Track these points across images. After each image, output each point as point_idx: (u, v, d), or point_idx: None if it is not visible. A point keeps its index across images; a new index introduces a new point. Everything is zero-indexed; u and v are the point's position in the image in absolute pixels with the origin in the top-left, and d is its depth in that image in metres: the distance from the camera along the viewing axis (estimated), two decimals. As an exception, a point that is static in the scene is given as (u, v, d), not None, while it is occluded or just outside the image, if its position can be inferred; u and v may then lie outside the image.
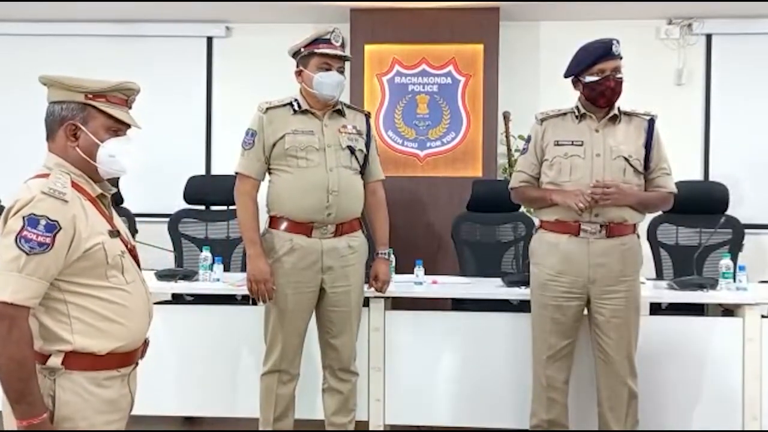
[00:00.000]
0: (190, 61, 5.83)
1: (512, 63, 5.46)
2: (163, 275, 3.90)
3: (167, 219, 4.72)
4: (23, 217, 1.84)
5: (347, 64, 3.37)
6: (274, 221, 3.26)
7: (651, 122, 3.29)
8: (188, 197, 4.72)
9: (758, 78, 5.50)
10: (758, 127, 5.49)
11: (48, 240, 1.84)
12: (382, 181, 3.44)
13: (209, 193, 4.76)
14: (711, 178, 5.42)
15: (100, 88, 1.99)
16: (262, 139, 3.24)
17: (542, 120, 3.37)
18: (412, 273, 3.92)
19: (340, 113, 3.31)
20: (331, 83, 3.21)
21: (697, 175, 5.52)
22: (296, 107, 3.27)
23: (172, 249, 4.55)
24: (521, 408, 3.55)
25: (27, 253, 1.83)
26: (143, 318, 2.06)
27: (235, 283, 3.88)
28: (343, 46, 3.26)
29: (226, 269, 4.24)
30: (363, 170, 3.35)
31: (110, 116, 2.00)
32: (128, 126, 2.04)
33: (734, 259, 4.13)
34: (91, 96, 1.98)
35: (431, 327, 3.77)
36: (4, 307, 1.82)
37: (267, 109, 3.29)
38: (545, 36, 5.65)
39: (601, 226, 3.21)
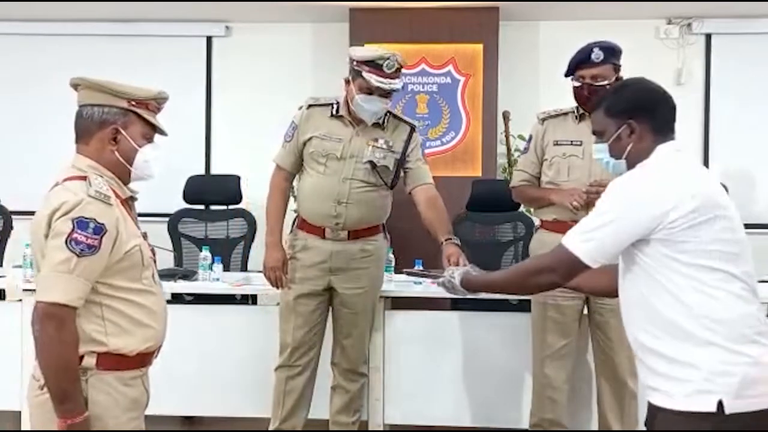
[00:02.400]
0: (189, 61, 5.83)
1: (512, 63, 5.45)
2: (163, 275, 3.87)
3: (167, 219, 4.71)
4: (72, 220, 1.89)
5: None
6: (299, 219, 3.38)
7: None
8: (188, 197, 4.71)
9: (758, 78, 5.50)
10: (758, 126, 5.49)
11: (96, 242, 1.90)
12: (429, 184, 3.36)
13: (209, 192, 4.75)
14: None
15: (144, 96, 2.07)
16: (299, 134, 3.29)
17: (543, 120, 3.38)
18: (412, 273, 3.92)
19: (379, 125, 3.28)
20: (368, 109, 3.19)
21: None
22: (334, 111, 3.27)
23: (171, 249, 4.55)
24: (521, 408, 3.55)
25: (78, 255, 1.88)
26: (164, 321, 2.14)
27: (234, 282, 3.89)
28: (398, 70, 3.16)
29: (226, 269, 4.24)
30: (394, 184, 3.33)
31: (147, 123, 2.08)
32: (156, 133, 2.13)
33: (734, 258, 4.12)
34: (134, 103, 2.05)
35: (431, 327, 3.77)
36: (54, 308, 1.87)
37: (310, 105, 3.31)
38: (545, 36, 5.65)
39: (600, 226, 3.21)
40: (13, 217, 4.75)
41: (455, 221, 4.58)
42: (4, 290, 4.12)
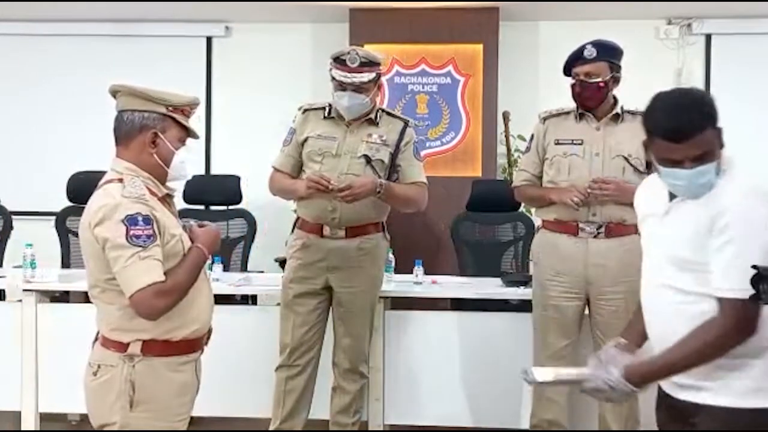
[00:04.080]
0: (189, 61, 5.82)
1: (512, 63, 5.45)
2: (163, 275, 3.90)
3: (167, 219, 4.71)
4: (122, 221, 2.03)
5: None
6: (298, 219, 3.40)
7: (656, 121, 3.28)
8: (187, 197, 4.71)
9: (758, 78, 5.49)
10: (758, 127, 5.49)
11: (151, 231, 2.06)
12: (420, 183, 3.38)
13: (209, 193, 4.75)
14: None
15: (180, 102, 2.21)
16: (296, 138, 3.35)
17: (545, 119, 3.39)
18: (412, 273, 3.92)
19: (372, 122, 3.33)
20: (341, 104, 3.26)
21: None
22: (326, 112, 3.34)
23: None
24: (521, 408, 3.55)
25: (144, 247, 2.03)
26: (208, 307, 2.28)
27: (234, 282, 3.89)
28: (366, 65, 3.21)
29: (226, 269, 4.24)
30: (389, 179, 3.33)
31: (182, 127, 2.22)
32: (189, 136, 2.27)
33: (734, 258, 4.12)
34: (171, 108, 2.19)
35: (431, 327, 3.77)
36: (146, 291, 2.02)
37: (305, 110, 3.40)
38: (545, 36, 5.65)
39: (600, 226, 3.21)
40: (13, 217, 4.75)
41: (455, 221, 4.60)
42: (4, 290, 4.11)
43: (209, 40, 5.87)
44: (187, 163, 2.25)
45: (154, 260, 2.04)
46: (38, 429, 3.80)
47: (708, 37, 5.59)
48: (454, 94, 5.36)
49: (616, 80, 3.24)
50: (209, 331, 2.31)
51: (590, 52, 3.19)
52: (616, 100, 3.30)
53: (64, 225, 4.63)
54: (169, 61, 5.75)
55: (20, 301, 3.78)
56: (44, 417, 3.84)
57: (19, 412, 3.78)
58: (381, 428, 3.72)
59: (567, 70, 3.27)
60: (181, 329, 2.16)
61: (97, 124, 5.59)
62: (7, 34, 5.81)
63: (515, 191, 3.52)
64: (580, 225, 3.22)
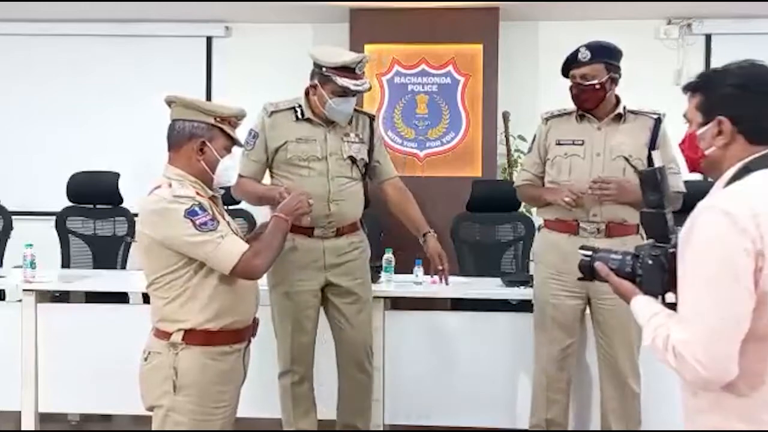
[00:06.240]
0: (189, 61, 5.82)
1: (512, 63, 5.45)
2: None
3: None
4: (185, 216, 2.20)
5: None
6: None
7: (657, 121, 3.28)
8: (188, 197, 4.71)
9: (758, 78, 5.49)
10: (758, 127, 5.49)
11: (210, 215, 2.24)
12: (396, 177, 3.43)
13: (209, 192, 4.75)
14: (710, 178, 5.40)
15: (228, 114, 2.37)
16: (264, 141, 3.24)
17: (546, 119, 3.40)
18: (412, 273, 3.92)
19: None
20: (342, 111, 3.18)
21: (696, 175, 5.50)
22: (299, 114, 3.24)
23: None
24: (521, 408, 3.55)
25: (213, 230, 2.21)
26: (251, 300, 2.41)
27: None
28: (364, 72, 3.20)
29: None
30: (367, 176, 3.33)
31: (229, 137, 2.38)
32: (234, 145, 2.43)
33: (734, 259, 4.11)
34: (219, 120, 2.35)
35: (430, 327, 3.77)
36: (242, 260, 2.23)
37: (272, 112, 3.26)
38: (544, 36, 5.65)
39: (600, 225, 3.21)
40: (13, 217, 4.75)
41: (455, 221, 4.60)
42: (4, 290, 4.11)
43: (209, 40, 5.86)
44: (231, 170, 2.44)
45: (230, 236, 2.24)
46: (38, 429, 3.80)
47: (708, 37, 5.59)
48: (454, 94, 5.36)
49: (614, 81, 3.24)
50: (255, 324, 2.44)
51: (584, 54, 3.18)
52: (618, 100, 3.30)
53: (64, 225, 4.63)
54: (169, 61, 5.75)
55: (20, 301, 3.78)
56: (44, 417, 3.84)
57: (19, 412, 3.78)
58: (381, 428, 3.71)
59: (565, 73, 3.28)
60: (217, 320, 2.28)
61: (97, 124, 5.67)
62: (7, 34, 5.80)
63: (516, 191, 3.54)
64: (581, 225, 3.22)
